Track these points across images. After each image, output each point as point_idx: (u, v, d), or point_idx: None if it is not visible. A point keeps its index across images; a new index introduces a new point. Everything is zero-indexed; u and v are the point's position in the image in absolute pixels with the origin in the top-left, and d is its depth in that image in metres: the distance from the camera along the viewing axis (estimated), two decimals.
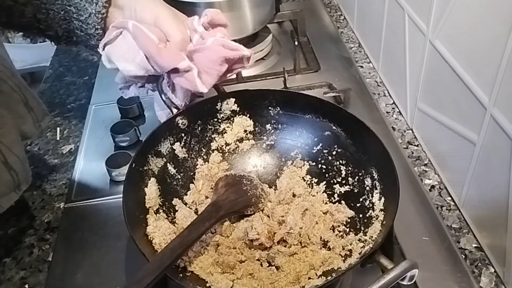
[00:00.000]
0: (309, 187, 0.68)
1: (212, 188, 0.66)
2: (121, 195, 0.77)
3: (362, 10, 1.09)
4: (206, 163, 0.69)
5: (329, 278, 0.53)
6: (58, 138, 0.92)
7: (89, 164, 0.83)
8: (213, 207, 0.60)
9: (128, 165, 0.77)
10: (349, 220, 0.62)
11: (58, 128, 0.94)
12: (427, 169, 0.79)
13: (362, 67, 1.04)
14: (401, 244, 0.66)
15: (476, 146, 0.64)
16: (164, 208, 0.61)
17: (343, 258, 0.56)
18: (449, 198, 0.74)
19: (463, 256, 0.65)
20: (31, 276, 0.67)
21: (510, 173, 0.57)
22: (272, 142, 0.71)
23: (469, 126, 0.66)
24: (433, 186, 0.76)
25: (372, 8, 1.00)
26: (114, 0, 0.61)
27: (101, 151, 0.84)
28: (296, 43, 0.98)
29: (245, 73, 1.00)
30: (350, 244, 0.58)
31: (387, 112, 0.91)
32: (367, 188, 0.62)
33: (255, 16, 0.97)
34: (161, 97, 0.63)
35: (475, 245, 0.67)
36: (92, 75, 1.08)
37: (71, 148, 0.89)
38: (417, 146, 0.83)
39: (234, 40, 0.98)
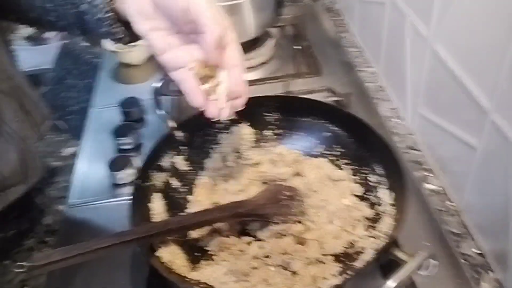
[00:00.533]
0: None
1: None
2: (122, 198, 0.77)
3: (363, 15, 1.09)
4: (207, 171, 0.69)
5: (346, 276, 0.53)
6: (59, 141, 0.92)
7: (90, 167, 0.83)
8: (235, 203, 0.59)
9: (127, 168, 0.78)
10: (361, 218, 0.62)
11: (59, 131, 0.94)
12: (428, 174, 0.79)
13: (363, 71, 1.04)
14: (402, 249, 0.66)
15: (477, 151, 0.64)
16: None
17: (356, 256, 0.56)
18: (450, 203, 0.74)
19: (464, 262, 0.65)
20: (31, 279, 0.67)
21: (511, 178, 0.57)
22: (273, 148, 0.71)
23: (470, 131, 0.66)
24: (434, 191, 0.76)
25: (373, 13, 1.00)
26: None
27: (102, 154, 0.84)
28: (298, 47, 0.98)
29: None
30: (361, 241, 0.58)
31: (388, 117, 0.91)
32: (372, 184, 0.62)
33: (256, 21, 0.97)
34: (157, 112, 0.63)
35: (476, 251, 0.67)
36: (94, 78, 1.08)
37: (72, 151, 0.89)
38: (418, 151, 0.83)
39: None
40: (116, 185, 0.78)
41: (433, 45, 0.73)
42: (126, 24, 0.54)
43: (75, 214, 0.75)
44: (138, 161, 0.80)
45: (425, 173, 0.79)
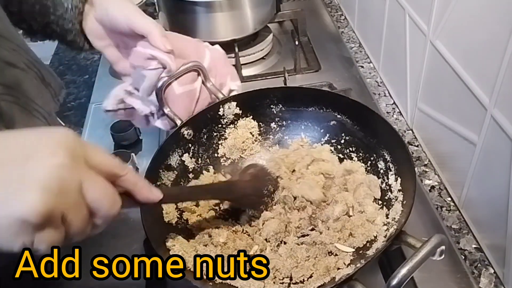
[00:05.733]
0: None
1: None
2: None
3: (363, 10, 1.09)
4: (216, 170, 0.69)
5: (358, 265, 0.53)
6: None
7: None
8: (227, 186, 0.62)
9: (127, 164, 0.78)
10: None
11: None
12: (427, 170, 0.79)
13: (362, 67, 1.04)
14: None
15: (476, 146, 0.64)
16: (182, 220, 0.61)
17: (369, 245, 0.56)
18: (449, 199, 0.74)
19: (463, 257, 0.65)
20: None
21: (510, 174, 0.57)
22: (279, 140, 0.71)
23: (469, 126, 0.66)
24: (433, 187, 0.76)
25: (373, 8, 1.00)
26: None
27: None
28: (297, 42, 0.98)
29: (246, 72, 1.00)
30: (375, 230, 0.57)
31: (387, 112, 0.91)
32: (381, 171, 0.62)
33: (255, 16, 0.97)
34: (163, 110, 0.64)
35: (474, 246, 0.67)
36: (92, 74, 1.08)
37: None
38: (417, 146, 0.83)
39: (234, 40, 0.98)
40: None
41: (433, 41, 0.73)
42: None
43: None
44: (136, 157, 0.80)
45: (424, 169, 0.79)
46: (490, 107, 0.59)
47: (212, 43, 1.00)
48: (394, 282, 0.42)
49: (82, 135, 0.89)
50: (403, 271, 0.43)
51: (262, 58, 1.05)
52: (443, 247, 0.45)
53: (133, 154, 0.79)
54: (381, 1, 0.92)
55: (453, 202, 0.73)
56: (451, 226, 0.70)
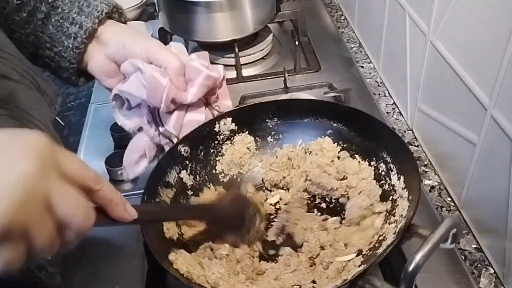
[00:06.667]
0: None
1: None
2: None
3: (363, 10, 1.08)
4: (215, 186, 0.69)
5: (368, 263, 0.53)
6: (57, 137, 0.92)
7: (89, 163, 0.83)
8: (207, 207, 0.62)
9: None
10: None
11: (57, 127, 0.94)
12: (427, 170, 0.79)
13: (362, 67, 1.04)
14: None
15: (477, 147, 0.64)
16: (183, 236, 0.61)
17: (379, 245, 0.56)
18: (449, 199, 0.74)
19: (463, 257, 0.65)
20: None
21: (510, 174, 0.57)
22: (277, 153, 0.71)
23: (469, 127, 0.66)
24: (433, 187, 0.76)
25: (373, 8, 1.00)
26: (97, 36, 0.60)
27: (101, 150, 0.84)
28: (297, 43, 0.98)
29: (246, 72, 1.00)
30: (381, 229, 0.57)
31: (387, 113, 0.91)
32: (383, 173, 0.62)
33: (255, 16, 0.97)
34: (159, 130, 0.64)
35: (474, 246, 0.67)
36: None
37: (71, 147, 0.89)
38: (417, 146, 0.83)
39: (234, 40, 0.98)
40: (115, 181, 0.78)
41: (433, 41, 0.73)
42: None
43: None
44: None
45: (424, 169, 0.79)
46: (490, 107, 0.59)
47: (212, 43, 1.00)
48: (411, 267, 0.42)
49: (82, 135, 0.90)
50: (419, 256, 0.43)
51: (262, 58, 1.05)
52: (455, 230, 0.45)
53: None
54: (381, 1, 0.92)
55: (453, 202, 0.73)
56: None
